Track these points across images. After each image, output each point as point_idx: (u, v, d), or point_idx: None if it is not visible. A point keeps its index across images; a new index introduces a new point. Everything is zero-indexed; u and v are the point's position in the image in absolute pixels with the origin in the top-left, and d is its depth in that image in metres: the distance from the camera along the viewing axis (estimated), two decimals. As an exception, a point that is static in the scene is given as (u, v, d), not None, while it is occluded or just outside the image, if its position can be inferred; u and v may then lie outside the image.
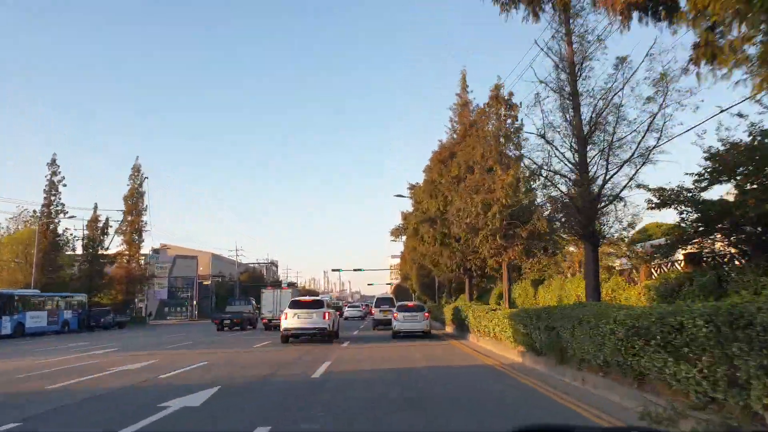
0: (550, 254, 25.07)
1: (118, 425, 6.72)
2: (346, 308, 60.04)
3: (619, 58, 12.17)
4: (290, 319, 20.62)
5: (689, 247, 14.91)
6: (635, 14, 6.50)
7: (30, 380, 11.45)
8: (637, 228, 19.03)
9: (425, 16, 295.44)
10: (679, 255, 16.16)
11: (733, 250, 13.24)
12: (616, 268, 20.81)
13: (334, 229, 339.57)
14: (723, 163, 11.33)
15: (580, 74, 11.95)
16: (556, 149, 12.01)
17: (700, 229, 13.36)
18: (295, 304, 21.44)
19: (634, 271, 19.49)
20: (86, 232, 54.65)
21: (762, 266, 10.44)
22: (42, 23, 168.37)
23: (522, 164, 18.86)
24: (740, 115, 11.00)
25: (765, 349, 4.69)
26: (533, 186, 19.31)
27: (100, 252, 55.41)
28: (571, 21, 12.23)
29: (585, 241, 11.36)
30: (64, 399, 8.95)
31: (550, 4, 8.66)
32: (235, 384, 10.29)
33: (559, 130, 12.05)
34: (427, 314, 23.73)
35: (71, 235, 55.42)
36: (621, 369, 7.80)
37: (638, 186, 12.23)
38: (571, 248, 25.52)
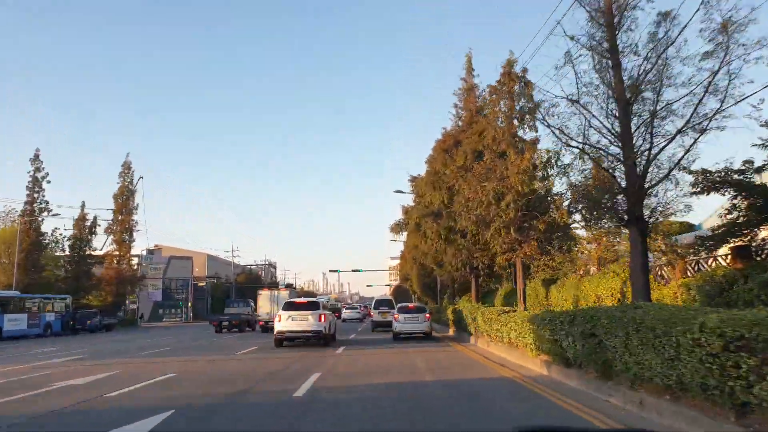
0: (565, 251, 22.99)
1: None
2: (344, 310, 57.84)
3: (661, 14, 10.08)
4: (284, 322, 19.29)
5: (736, 240, 12.83)
6: None
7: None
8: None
9: (425, 16, 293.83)
10: (721, 250, 14.11)
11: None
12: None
13: (333, 230, 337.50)
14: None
15: (621, 26, 9.85)
16: (594, 116, 9.87)
17: (756, 218, 11.28)
18: (289, 306, 20.07)
19: (666, 267, 17.39)
20: (73, 231, 52.60)
21: None
22: (42, 23, 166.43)
23: (539, 148, 16.78)
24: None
25: None
26: (550, 173, 17.23)
27: (87, 252, 53.31)
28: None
29: (631, 227, 9.25)
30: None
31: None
32: (196, 406, 8.16)
33: (595, 94, 9.93)
34: (428, 315, 23.31)
35: (60, 234, 53.43)
36: (708, 394, 5.68)
37: (681, 169, 10.14)
38: (588, 245, 23.44)
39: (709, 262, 15.10)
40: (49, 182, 46.30)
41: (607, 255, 21.57)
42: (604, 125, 9.77)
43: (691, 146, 9.17)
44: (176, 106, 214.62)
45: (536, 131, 17.75)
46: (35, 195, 45.39)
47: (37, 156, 45.96)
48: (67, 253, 52.26)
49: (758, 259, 12.12)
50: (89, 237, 53.44)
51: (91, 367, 14.24)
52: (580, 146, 10.08)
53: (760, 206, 11.56)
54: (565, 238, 20.79)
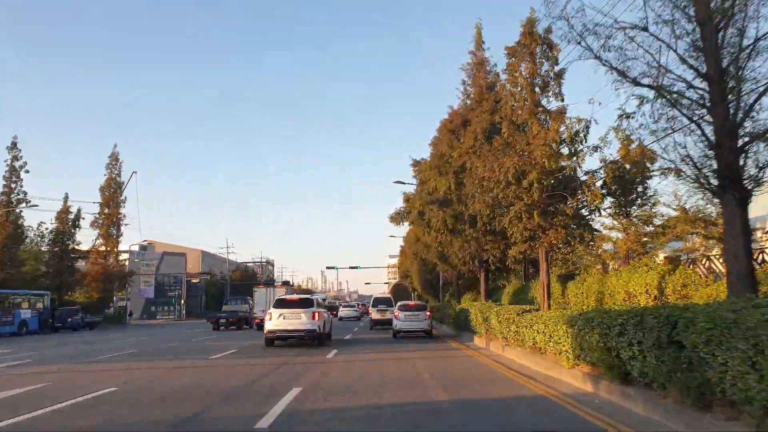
0: (588, 242, 20.49)
1: None
2: (341, 308, 55.30)
3: None
4: (275, 320, 17.90)
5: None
6: None
7: None
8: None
9: (424, 23, 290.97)
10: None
11: None
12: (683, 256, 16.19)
13: (332, 229, 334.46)
14: None
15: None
16: (671, 47, 7.27)
17: None
18: (280, 303, 18.66)
19: (713, 260, 14.87)
20: (55, 224, 49.95)
21: None
22: (41, 17, 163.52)
23: (568, 118, 14.23)
24: None
25: None
26: (579, 148, 14.67)
27: (71, 246, 50.65)
28: None
29: (725, 195, 6.68)
30: None
31: None
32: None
33: (668, 20, 7.32)
34: (428, 313, 22.82)
35: (46, 229, 50.75)
36: None
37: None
38: (615, 233, 20.88)
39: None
40: (27, 172, 43.62)
41: (637, 247, 19.05)
42: (684, 60, 7.17)
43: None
44: (174, 104, 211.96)
45: (562, 100, 15.21)
46: (12, 185, 42.70)
47: (14, 144, 43.29)
48: (50, 247, 49.59)
49: None
50: (72, 230, 50.72)
51: (23, 376, 11.64)
52: (653, 84, 7.43)
53: None
54: (587, 228, 18.24)
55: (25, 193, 43.50)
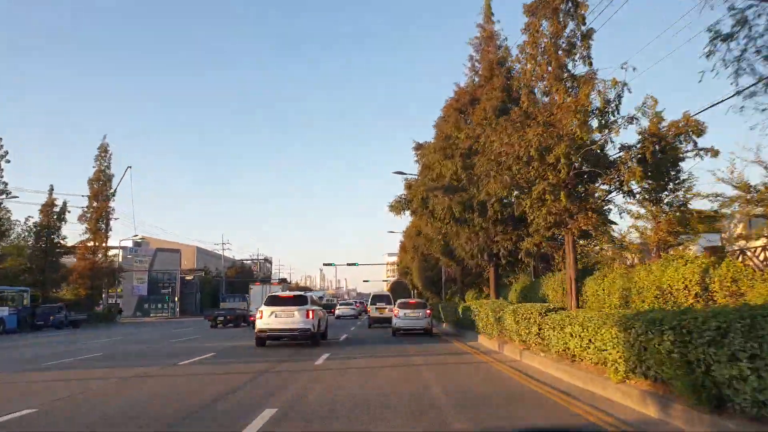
0: (606, 235, 18.40)
1: None
2: (338, 306, 53.17)
3: None
4: (266, 319, 16.86)
5: None
6: None
7: None
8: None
9: (421, 34, 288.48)
10: None
11: None
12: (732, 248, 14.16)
13: (331, 228, 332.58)
14: None
15: None
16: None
17: None
18: (272, 300, 17.62)
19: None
20: (40, 218, 47.74)
21: None
22: (40, 11, 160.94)
23: (601, 80, 12.09)
24: None
25: None
26: (613, 119, 12.52)
27: (56, 241, 48.43)
28: None
29: None
30: None
31: None
32: None
33: None
34: (429, 311, 22.87)
35: (33, 223, 48.52)
36: None
37: None
38: (641, 223, 18.77)
39: None
40: (8, 162, 41.32)
41: (669, 238, 16.92)
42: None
43: None
44: (174, 103, 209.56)
45: (590, 65, 13.04)
46: (-9, 176, 40.44)
47: (-6, 132, 41.11)
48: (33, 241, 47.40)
49: None
50: (58, 224, 48.51)
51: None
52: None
53: None
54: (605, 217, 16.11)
55: (6, 184, 41.30)
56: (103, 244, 55.19)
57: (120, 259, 72.55)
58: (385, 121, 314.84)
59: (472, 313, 20.34)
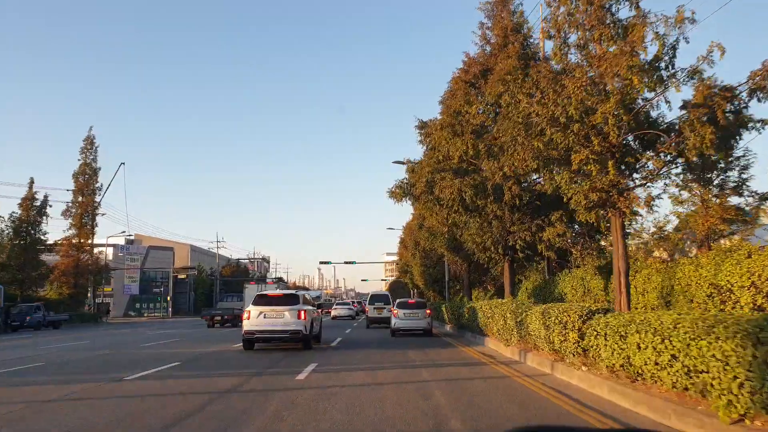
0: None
1: None
2: (335, 307, 50.66)
3: None
4: (254, 319, 15.49)
5: None
6: None
7: None
8: None
9: (419, 34, 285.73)
10: None
11: None
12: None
13: (330, 227, 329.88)
14: None
15: None
16: None
17: None
18: (261, 300, 16.17)
19: None
20: (20, 212, 45.18)
21: None
22: (34, 7, 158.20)
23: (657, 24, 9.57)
24: None
25: None
26: (669, 73, 9.99)
27: (36, 236, 45.90)
28: None
29: None
30: None
31: None
32: None
33: None
34: (429, 311, 22.53)
35: (10, 218, 45.95)
36: None
37: None
38: (677, 208, 16.25)
39: None
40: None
41: (723, 227, 14.38)
42: None
43: None
44: (172, 101, 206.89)
45: (638, 8, 10.50)
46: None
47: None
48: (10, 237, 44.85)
49: None
50: (39, 219, 46.00)
51: None
52: None
53: None
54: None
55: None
56: (89, 241, 52.67)
57: (110, 257, 70.04)
58: (386, 114, 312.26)
59: (482, 315, 17.86)
